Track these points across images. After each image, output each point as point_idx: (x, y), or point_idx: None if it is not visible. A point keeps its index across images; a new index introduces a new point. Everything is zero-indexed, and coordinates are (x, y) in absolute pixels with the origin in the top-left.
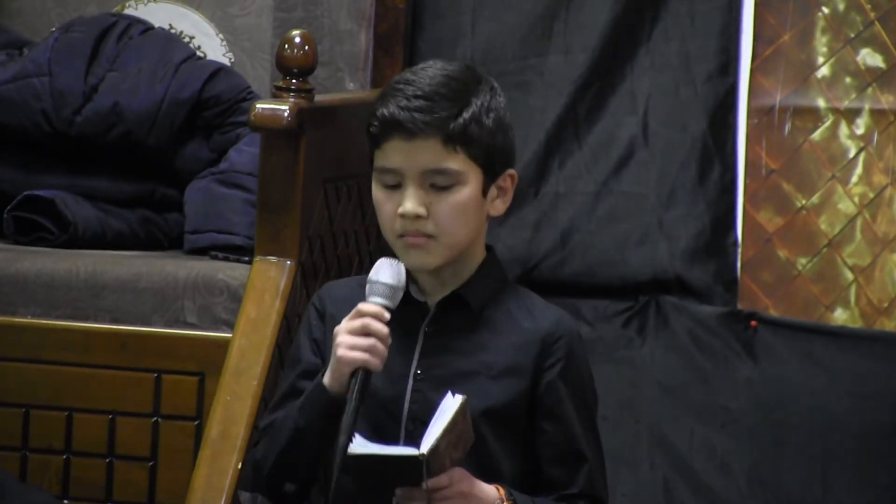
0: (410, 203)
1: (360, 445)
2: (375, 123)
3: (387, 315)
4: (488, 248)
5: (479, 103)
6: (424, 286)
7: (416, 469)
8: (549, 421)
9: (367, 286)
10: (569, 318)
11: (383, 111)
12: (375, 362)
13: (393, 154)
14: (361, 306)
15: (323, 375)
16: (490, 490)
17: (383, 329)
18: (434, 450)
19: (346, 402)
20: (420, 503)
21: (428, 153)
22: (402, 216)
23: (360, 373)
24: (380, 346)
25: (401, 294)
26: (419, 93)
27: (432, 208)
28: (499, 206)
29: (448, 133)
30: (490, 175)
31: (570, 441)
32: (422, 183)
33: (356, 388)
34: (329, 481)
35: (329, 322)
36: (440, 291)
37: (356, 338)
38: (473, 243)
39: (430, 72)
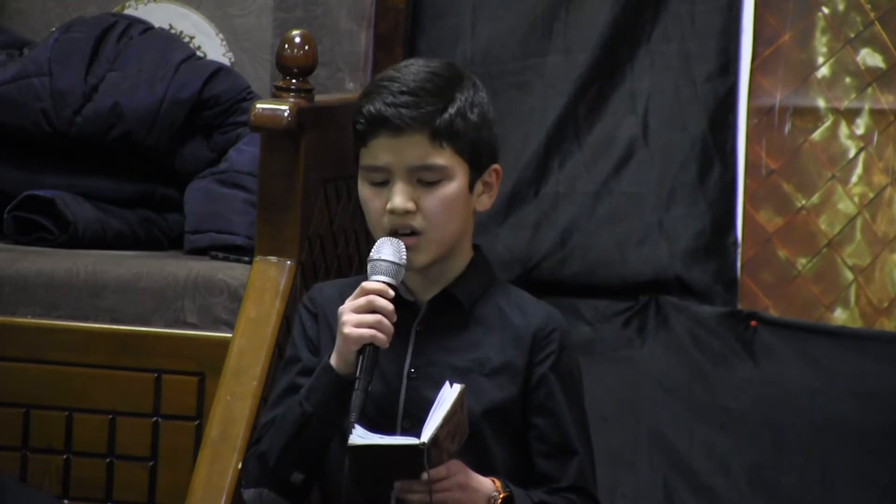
0: (399, 199)
1: (359, 436)
2: (361, 121)
3: (391, 292)
4: (475, 248)
5: (463, 98)
6: (413, 286)
7: (416, 458)
8: (540, 415)
9: (369, 266)
10: (559, 314)
11: (369, 108)
12: (382, 338)
13: (380, 151)
14: (365, 284)
15: (327, 360)
16: (486, 482)
17: (388, 305)
18: (434, 439)
19: (356, 381)
20: (419, 495)
21: (415, 149)
22: (391, 212)
23: (368, 349)
24: (386, 321)
25: (403, 272)
26: (405, 89)
27: (420, 203)
28: (485, 202)
29: (435, 128)
30: (476, 170)
31: (561, 435)
32: (409, 179)
33: (365, 365)
34: (328, 481)
35: (322, 322)
36: (429, 291)
37: (362, 315)
38: (461, 240)
39: (413, 69)
